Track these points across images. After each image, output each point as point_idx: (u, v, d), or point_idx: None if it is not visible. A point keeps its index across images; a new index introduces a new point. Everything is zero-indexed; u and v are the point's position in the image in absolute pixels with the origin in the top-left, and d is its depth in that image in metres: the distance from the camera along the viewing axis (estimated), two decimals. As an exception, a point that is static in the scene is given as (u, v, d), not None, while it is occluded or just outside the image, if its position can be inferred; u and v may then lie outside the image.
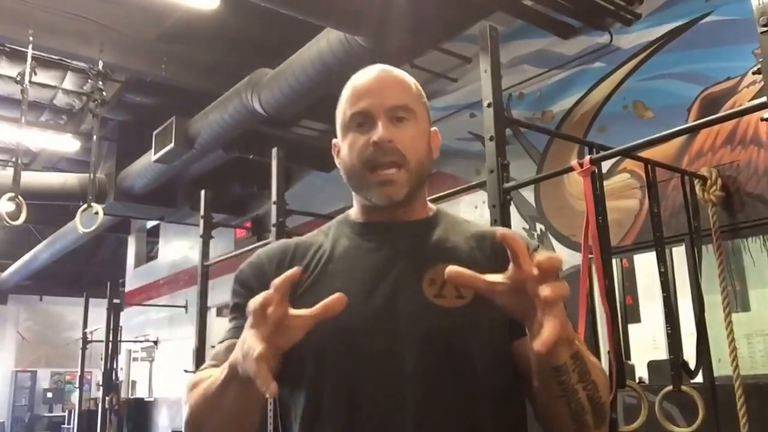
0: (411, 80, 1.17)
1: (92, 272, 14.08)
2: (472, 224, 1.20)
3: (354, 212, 1.19)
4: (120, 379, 10.17)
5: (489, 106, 2.80)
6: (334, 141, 1.20)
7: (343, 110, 1.14)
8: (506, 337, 1.05)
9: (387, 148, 1.07)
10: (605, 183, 3.10)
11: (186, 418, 1.01)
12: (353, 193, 1.17)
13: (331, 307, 0.86)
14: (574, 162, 2.68)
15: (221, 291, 8.31)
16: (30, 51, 5.15)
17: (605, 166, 3.91)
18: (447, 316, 1.03)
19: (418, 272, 1.06)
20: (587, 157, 2.67)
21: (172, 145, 6.39)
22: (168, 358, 10.10)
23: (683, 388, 2.75)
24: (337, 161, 1.18)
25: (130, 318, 11.28)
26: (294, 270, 0.88)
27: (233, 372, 0.89)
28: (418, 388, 1.00)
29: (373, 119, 1.09)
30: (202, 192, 5.33)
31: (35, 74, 5.38)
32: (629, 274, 4.89)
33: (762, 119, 2.12)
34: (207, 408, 0.97)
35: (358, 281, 1.07)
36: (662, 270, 2.94)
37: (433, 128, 1.19)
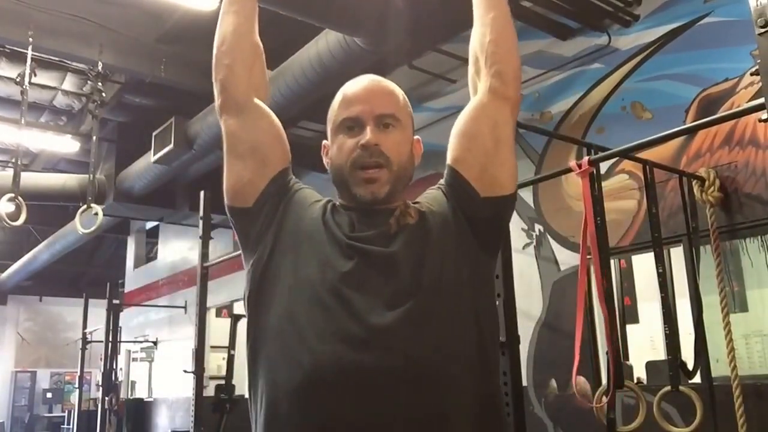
0: (399, 91, 1.29)
1: (92, 273, 14.08)
2: (424, 203, 1.31)
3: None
4: (119, 380, 10.16)
5: (487, 107, 2.81)
6: (324, 142, 1.33)
7: (335, 114, 1.27)
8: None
9: (373, 150, 1.20)
10: (603, 184, 3.11)
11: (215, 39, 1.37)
12: (338, 192, 1.29)
13: None
14: (572, 163, 2.69)
15: (221, 292, 8.31)
16: (30, 52, 5.15)
17: (603, 166, 3.92)
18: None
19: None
20: (586, 158, 2.68)
21: (171, 146, 6.40)
22: (167, 359, 10.10)
23: (681, 388, 2.75)
24: (325, 160, 1.32)
25: (130, 318, 11.28)
26: None
27: None
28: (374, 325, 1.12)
29: (362, 124, 1.22)
30: (202, 193, 5.32)
31: (35, 75, 5.37)
32: (627, 275, 4.89)
33: (760, 120, 2.13)
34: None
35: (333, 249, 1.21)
36: (660, 271, 2.94)
37: (416, 137, 1.32)
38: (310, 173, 7.00)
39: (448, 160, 1.31)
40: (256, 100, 1.32)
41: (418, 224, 1.22)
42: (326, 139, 1.31)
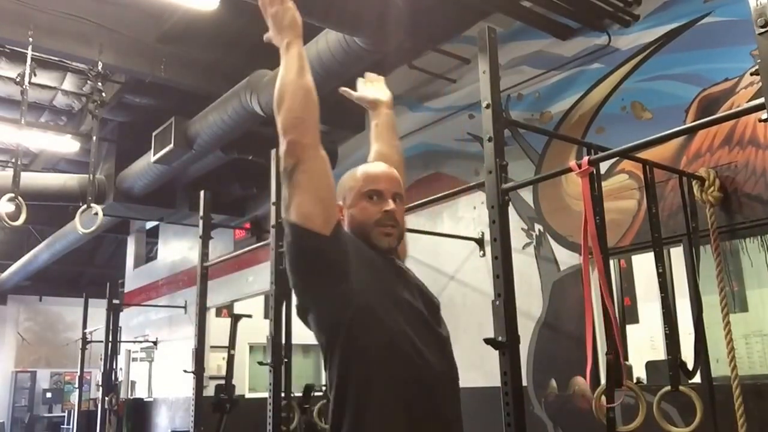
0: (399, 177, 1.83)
1: (92, 273, 14.09)
2: None
3: None
4: (119, 380, 10.17)
5: (488, 107, 2.81)
6: (339, 202, 1.72)
7: (359, 185, 1.73)
8: None
9: (392, 215, 1.70)
10: (603, 184, 3.12)
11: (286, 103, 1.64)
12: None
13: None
14: (572, 163, 2.69)
15: (221, 292, 8.31)
16: (30, 52, 5.15)
17: (603, 166, 3.93)
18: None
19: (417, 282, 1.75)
20: (585, 158, 2.68)
21: (171, 145, 6.40)
22: (167, 359, 10.10)
23: (681, 388, 2.76)
24: (340, 215, 1.69)
25: (130, 318, 11.28)
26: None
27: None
28: (441, 337, 1.67)
29: (383, 197, 1.71)
30: (202, 193, 5.34)
31: (35, 75, 5.38)
32: (627, 275, 4.90)
33: (760, 120, 2.13)
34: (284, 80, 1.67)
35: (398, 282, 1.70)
36: (660, 271, 2.95)
37: None
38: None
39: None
40: (322, 150, 1.63)
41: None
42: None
